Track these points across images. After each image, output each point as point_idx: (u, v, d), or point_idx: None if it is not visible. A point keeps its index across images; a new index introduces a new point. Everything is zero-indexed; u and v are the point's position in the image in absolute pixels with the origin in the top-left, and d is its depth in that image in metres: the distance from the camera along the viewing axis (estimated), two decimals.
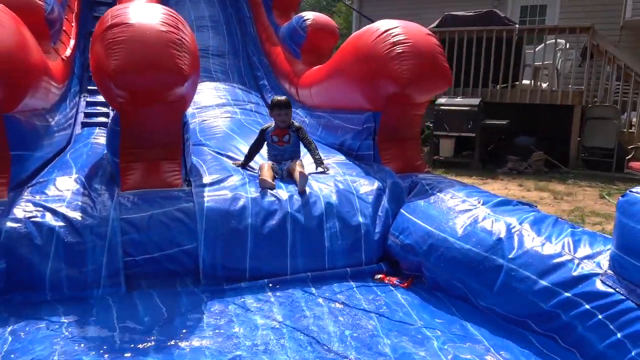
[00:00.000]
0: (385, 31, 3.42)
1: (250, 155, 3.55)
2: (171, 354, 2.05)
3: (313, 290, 2.71)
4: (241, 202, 2.86)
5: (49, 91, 3.58)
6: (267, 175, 3.11)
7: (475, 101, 7.06)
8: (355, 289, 2.75)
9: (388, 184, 3.22)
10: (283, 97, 3.51)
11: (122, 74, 2.62)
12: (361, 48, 3.57)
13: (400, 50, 3.28)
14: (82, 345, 2.10)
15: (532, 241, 2.31)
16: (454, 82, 7.66)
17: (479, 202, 2.72)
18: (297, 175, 3.10)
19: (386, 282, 2.82)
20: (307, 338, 2.21)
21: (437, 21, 8.13)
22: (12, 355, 1.99)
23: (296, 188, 3.05)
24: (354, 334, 2.24)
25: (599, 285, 1.97)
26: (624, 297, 1.86)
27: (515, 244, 2.34)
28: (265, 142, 3.52)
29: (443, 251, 2.59)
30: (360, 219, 3.01)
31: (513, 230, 2.41)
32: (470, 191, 2.94)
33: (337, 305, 2.54)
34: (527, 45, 7.72)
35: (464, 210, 2.71)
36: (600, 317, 1.89)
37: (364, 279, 2.87)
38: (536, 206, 2.81)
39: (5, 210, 2.55)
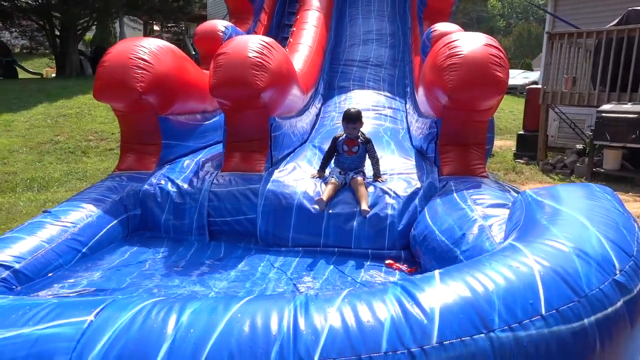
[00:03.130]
0: (447, 43, 3.74)
1: (325, 163, 3.90)
2: (205, 272, 3.09)
3: (331, 260, 3.35)
4: (293, 189, 3.67)
5: (205, 100, 4.99)
6: (326, 195, 3.49)
7: None
8: (365, 266, 3.28)
9: (425, 184, 3.58)
10: (354, 109, 3.83)
11: (216, 88, 3.74)
12: (430, 58, 3.95)
13: (451, 62, 3.58)
14: (163, 263, 3.26)
15: (485, 239, 2.51)
16: (630, 87, 6.79)
17: (475, 202, 2.93)
18: (361, 205, 3.45)
19: (393, 267, 3.26)
20: (291, 285, 2.92)
21: (618, 18, 7.25)
22: (126, 262, 3.25)
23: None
24: (327, 290, 2.85)
25: None
26: None
27: (471, 240, 2.57)
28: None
29: (429, 242, 2.93)
30: (389, 212, 3.49)
31: (479, 227, 2.63)
32: (482, 191, 3.12)
33: (338, 273, 3.14)
34: None
35: (459, 208, 2.96)
36: None
37: (381, 261, 3.36)
38: None
39: (147, 177, 3.95)
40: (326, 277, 3.07)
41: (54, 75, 17.86)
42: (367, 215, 3.46)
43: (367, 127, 5.83)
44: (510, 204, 2.25)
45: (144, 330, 1.09)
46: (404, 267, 3.23)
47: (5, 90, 12.18)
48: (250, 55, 3.77)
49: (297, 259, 3.40)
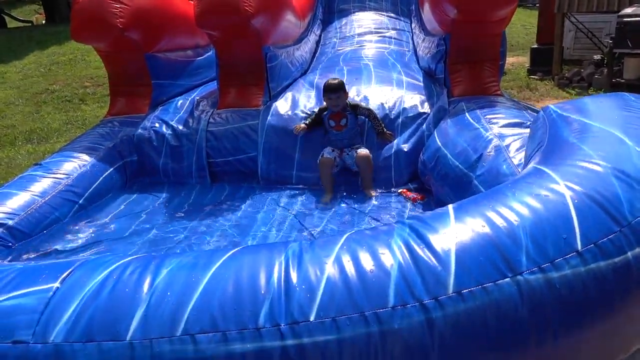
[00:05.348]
0: None
1: (311, 120, 3.37)
2: (209, 215, 2.99)
3: (338, 195, 3.20)
4: (294, 122, 3.44)
5: (196, 34, 4.64)
6: (329, 192, 3.16)
7: None
8: (374, 198, 3.12)
9: (434, 108, 3.33)
10: (335, 80, 3.25)
11: (201, 17, 3.42)
12: None
13: None
14: (163, 205, 3.16)
15: (502, 161, 2.31)
16: None
17: (490, 122, 2.70)
18: (368, 191, 3.15)
19: (404, 195, 3.09)
20: (298, 224, 2.79)
21: None
22: (126, 210, 3.14)
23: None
24: (333, 227, 2.72)
25: None
26: None
27: (486, 162, 2.37)
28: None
29: (441, 167, 2.74)
30: (395, 140, 3.28)
31: (495, 148, 2.42)
32: (497, 110, 2.87)
33: (346, 207, 3.00)
34: None
35: (473, 128, 2.74)
36: None
37: (389, 192, 3.20)
38: None
39: (141, 121, 3.75)
40: (334, 212, 2.93)
41: (44, 21, 17.15)
42: (372, 194, 3.14)
43: (371, 51, 5.49)
44: (530, 123, 2.02)
45: (115, 295, 0.95)
46: (410, 195, 3.06)
47: None
48: None
49: (303, 196, 3.25)
